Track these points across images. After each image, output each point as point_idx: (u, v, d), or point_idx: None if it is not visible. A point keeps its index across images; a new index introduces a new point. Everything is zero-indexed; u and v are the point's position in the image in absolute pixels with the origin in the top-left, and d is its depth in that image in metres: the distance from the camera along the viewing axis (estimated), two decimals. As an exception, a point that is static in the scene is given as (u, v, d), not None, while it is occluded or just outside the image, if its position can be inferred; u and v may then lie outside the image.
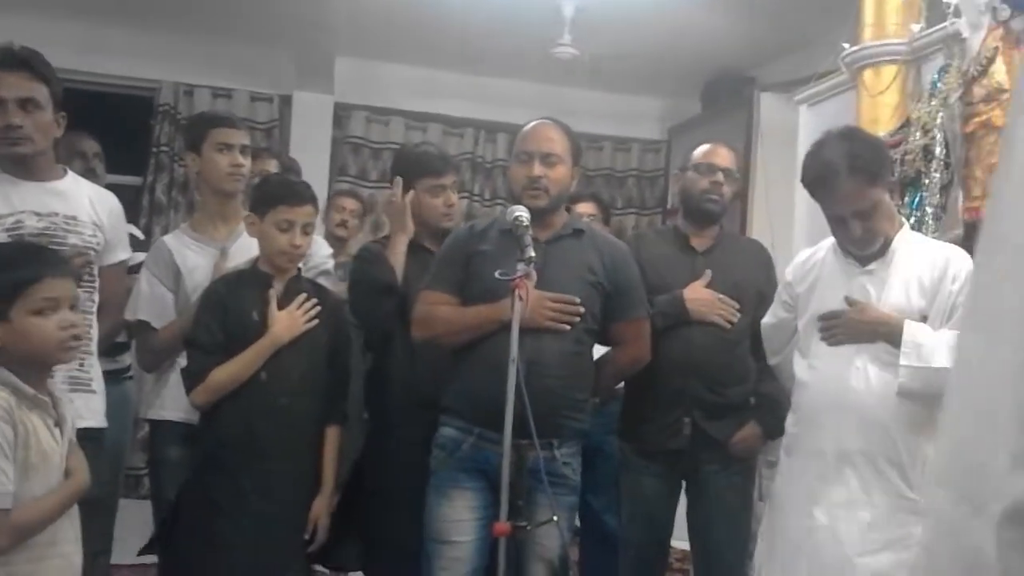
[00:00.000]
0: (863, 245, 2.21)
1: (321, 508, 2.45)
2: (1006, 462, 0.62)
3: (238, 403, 2.38)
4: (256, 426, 2.36)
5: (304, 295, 2.47)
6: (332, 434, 2.50)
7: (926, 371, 2.06)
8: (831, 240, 2.31)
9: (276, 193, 2.49)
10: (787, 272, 2.46)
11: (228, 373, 2.37)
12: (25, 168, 2.35)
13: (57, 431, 1.87)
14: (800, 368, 2.30)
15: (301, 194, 2.50)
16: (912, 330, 2.11)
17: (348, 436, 2.65)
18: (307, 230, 2.48)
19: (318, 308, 2.46)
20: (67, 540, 1.87)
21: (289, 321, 2.42)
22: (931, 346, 2.08)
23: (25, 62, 2.30)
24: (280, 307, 2.44)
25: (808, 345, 2.29)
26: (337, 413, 2.52)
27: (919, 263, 2.20)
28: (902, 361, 2.10)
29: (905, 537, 2.05)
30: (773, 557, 2.28)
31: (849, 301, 2.21)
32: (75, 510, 1.92)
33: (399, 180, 2.76)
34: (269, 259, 2.48)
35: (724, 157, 2.81)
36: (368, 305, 2.69)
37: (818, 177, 2.20)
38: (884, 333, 2.15)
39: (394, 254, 2.68)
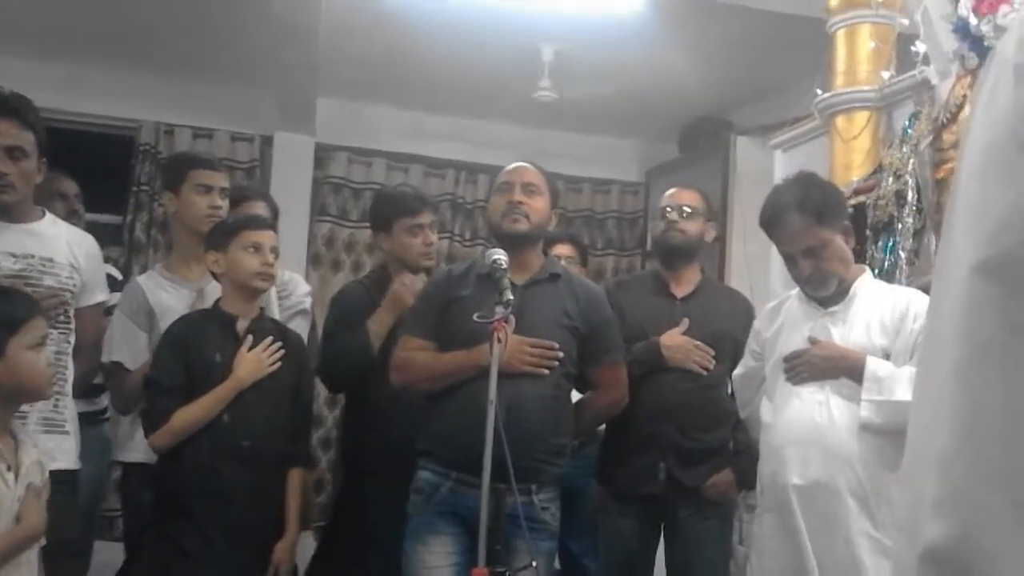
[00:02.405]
0: (815, 285, 2.26)
1: (284, 552, 2.41)
2: (928, 507, 0.65)
3: (200, 445, 2.35)
4: (219, 468, 2.34)
5: (270, 337, 2.46)
6: (295, 476, 2.48)
7: (888, 404, 2.10)
8: (797, 289, 2.37)
9: (237, 222, 2.53)
10: (756, 320, 2.51)
11: (191, 415, 2.35)
12: (2, 210, 2.35)
13: (11, 476, 1.84)
14: (765, 411, 2.34)
15: (261, 221, 2.57)
16: (873, 365, 2.15)
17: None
18: (275, 252, 2.50)
19: (283, 351, 2.46)
20: None
21: (255, 363, 2.41)
22: (892, 380, 2.11)
23: (15, 111, 2.31)
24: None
25: (774, 388, 2.33)
26: (300, 455, 2.51)
27: (880, 305, 2.25)
28: (864, 395, 2.13)
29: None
30: None
31: (812, 340, 2.25)
32: (31, 557, 1.87)
33: (418, 278, 2.76)
34: (245, 284, 2.46)
35: (682, 196, 2.88)
36: (337, 372, 2.71)
37: (770, 216, 2.30)
38: (846, 368, 2.18)
39: (378, 323, 2.68)
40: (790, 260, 2.27)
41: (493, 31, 4.22)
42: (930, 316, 0.75)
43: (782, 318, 2.37)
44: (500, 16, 4.10)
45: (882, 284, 2.44)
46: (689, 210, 2.81)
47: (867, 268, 2.43)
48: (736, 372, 2.54)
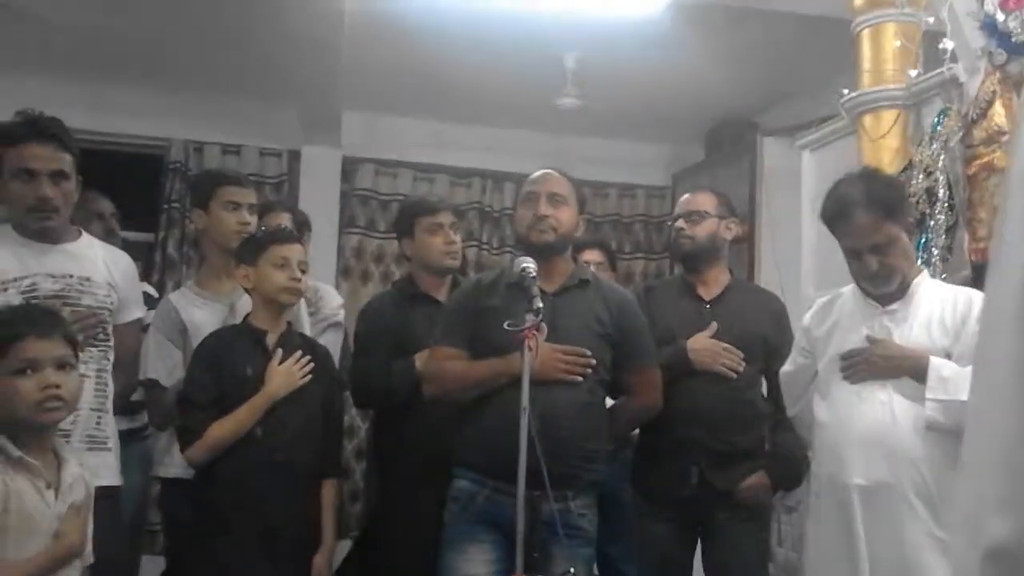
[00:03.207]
0: (879, 282, 2.22)
1: (322, 564, 2.43)
2: (992, 504, 0.65)
3: (234, 459, 2.38)
4: (253, 481, 2.36)
5: (300, 351, 2.49)
6: (329, 488, 2.50)
7: (955, 404, 2.06)
8: (851, 286, 2.33)
9: (265, 237, 2.55)
10: (805, 318, 2.47)
11: (225, 430, 2.37)
12: (43, 232, 2.39)
13: (51, 493, 1.85)
14: (820, 410, 2.30)
15: (289, 235, 2.59)
16: (937, 364, 2.11)
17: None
18: (303, 267, 2.52)
19: (312, 364, 2.48)
20: None
21: (285, 377, 2.43)
22: (957, 380, 2.07)
23: (54, 135, 2.35)
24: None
25: (828, 386, 2.28)
26: (333, 466, 2.53)
27: (941, 303, 2.21)
28: (929, 395, 2.10)
29: None
30: None
31: (870, 338, 2.21)
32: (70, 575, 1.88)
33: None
34: (273, 298, 2.48)
35: (689, 202, 2.89)
36: (374, 397, 2.75)
37: (835, 211, 2.24)
38: (908, 368, 2.15)
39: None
40: (854, 256, 2.22)
41: (515, 40, 4.24)
42: (985, 312, 0.75)
43: (835, 316, 2.33)
44: (522, 25, 4.11)
45: (940, 283, 2.40)
46: (697, 215, 2.81)
47: (924, 268, 2.39)
48: (784, 369, 2.51)
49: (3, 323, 1.90)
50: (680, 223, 2.84)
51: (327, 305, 2.97)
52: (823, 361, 2.32)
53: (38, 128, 2.35)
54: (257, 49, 4.32)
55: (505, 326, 2.18)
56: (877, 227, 2.18)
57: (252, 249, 2.51)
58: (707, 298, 2.79)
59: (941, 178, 2.92)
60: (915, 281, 2.24)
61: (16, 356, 1.83)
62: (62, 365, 1.88)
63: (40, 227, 2.37)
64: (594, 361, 2.36)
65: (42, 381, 1.83)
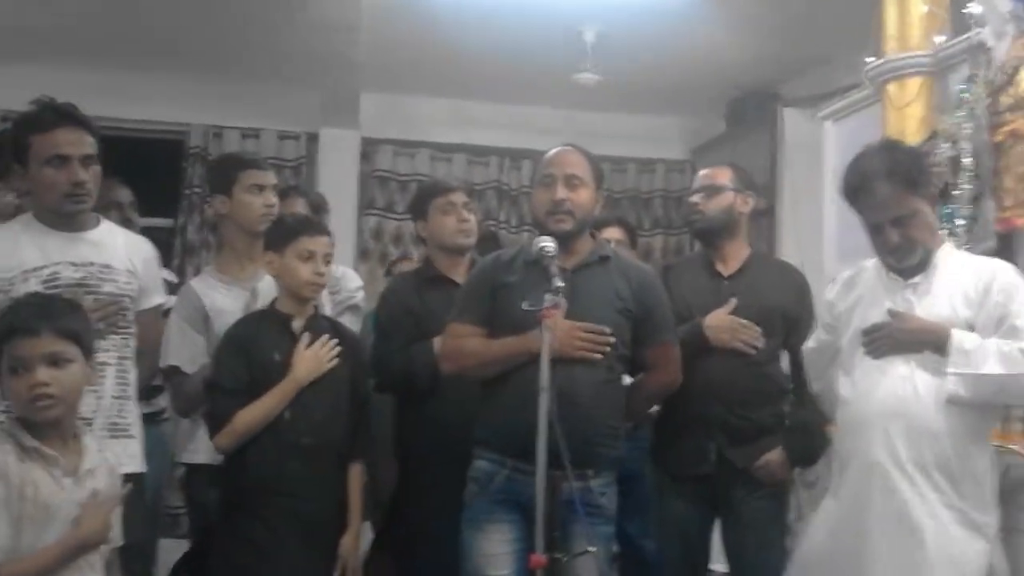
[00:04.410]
0: (901, 255, 2.18)
1: (349, 546, 2.44)
2: None
3: (263, 444, 2.38)
4: (282, 465, 2.37)
5: (326, 335, 2.49)
6: (356, 471, 2.50)
7: (975, 377, 2.04)
8: (874, 259, 2.29)
9: (294, 227, 2.54)
10: (828, 292, 2.43)
11: (253, 415, 2.38)
12: (62, 219, 2.40)
13: (68, 481, 1.86)
14: (843, 385, 2.27)
15: (318, 226, 2.57)
16: (959, 337, 2.08)
17: (384, 471, 2.65)
18: (327, 259, 2.52)
19: (339, 348, 2.49)
20: None
21: (313, 361, 2.44)
22: (980, 352, 2.05)
23: (80, 119, 2.36)
24: (299, 346, 2.46)
25: (852, 362, 2.26)
26: (360, 449, 2.53)
27: (963, 275, 2.18)
28: (950, 368, 2.07)
29: (959, 554, 2.02)
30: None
31: (892, 312, 2.18)
32: (93, 561, 1.89)
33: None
34: (295, 292, 2.49)
35: (705, 177, 2.86)
36: (391, 384, 2.75)
37: (856, 185, 2.21)
38: (930, 341, 2.11)
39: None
40: (876, 229, 2.18)
41: (533, 16, 4.20)
42: None
43: (859, 290, 2.30)
44: (540, 0, 4.07)
45: (964, 254, 2.36)
46: (712, 189, 2.78)
47: (947, 238, 2.35)
48: (807, 345, 2.48)
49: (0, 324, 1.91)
50: (695, 198, 2.81)
51: (345, 287, 2.97)
52: (846, 336, 2.29)
53: (65, 113, 2.35)
54: (275, 32, 4.32)
55: (524, 306, 2.17)
56: (899, 199, 2.13)
57: (280, 236, 2.51)
58: (726, 273, 2.76)
59: (966, 147, 2.88)
60: (938, 253, 2.20)
61: (8, 355, 1.85)
62: (54, 361, 1.86)
63: (74, 210, 2.37)
64: (613, 339, 2.34)
65: (30, 380, 1.83)
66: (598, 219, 2.81)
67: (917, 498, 2.07)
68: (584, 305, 2.35)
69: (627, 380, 2.52)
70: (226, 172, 2.83)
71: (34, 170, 2.34)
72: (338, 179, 5.12)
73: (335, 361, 2.47)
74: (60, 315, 1.91)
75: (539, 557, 2.04)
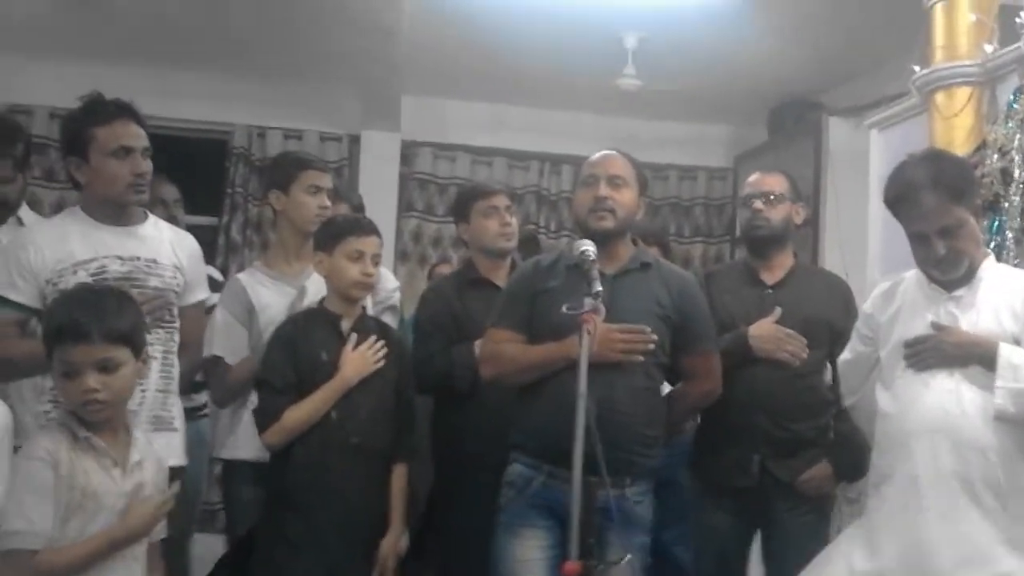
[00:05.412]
0: (946, 267, 2.13)
1: (390, 548, 2.45)
2: None
3: (310, 442, 2.40)
4: (329, 465, 2.39)
5: (374, 336, 2.50)
6: (400, 472, 2.51)
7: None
8: (914, 271, 2.25)
9: (344, 227, 2.56)
10: (866, 304, 2.39)
11: (302, 414, 2.40)
12: (110, 213, 2.44)
13: (117, 472, 1.89)
14: (883, 399, 2.21)
15: (367, 226, 2.58)
16: (1008, 351, 2.03)
17: (420, 473, 2.65)
18: (376, 260, 2.53)
19: (386, 349, 2.49)
20: None
21: (360, 361, 2.45)
22: None
23: (135, 114, 2.42)
24: (347, 346, 2.47)
25: (892, 375, 2.20)
26: (405, 450, 2.54)
27: (1009, 289, 2.13)
28: (998, 383, 2.02)
29: (1006, 573, 1.97)
30: None
31: (936, 325, 2.13)
32: (137, 552, 1.92)
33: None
34: (343, 292, 2.51)
35: (764, 182, 2.80)
36: (431, 386, 2.75)
37: (900, 194, 2.16)
38: (977, 355, 2.07)
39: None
40: (920, 240, 2.13)
41: (575, 21, 4.20)
42: None
43: (899, 302, 2.25)
44: (581, 5, 4.07)
45: (1007, 268, 2.31)
46: (773, 196, 2.74)
47: (990, 252, 2.30)
48: (842, 357, 2.43)
49: (49, 320, 1.95)
50: (757, 204, 2.74)
51: (383, 288, 2.99)
52: (886, 349, 2.24)
53: (126, 107, 2.41)
54: (319, 34, 4.35)
55: (563, 309, 2.16)
56: (945, 210, 2.09)
57: (330, 236, 2.53)
58: (770, 283, 2.73)
59: (1017, 158, 2.82)
60: (983, 266, 2.16)
61: (59, 358, 1.88)
62: (104, 367, 1.87)
63: (136, 200, 2.43)
64: (655, 337, 2.31)
65: (80, 386, 1.85)
66: (635, 233, 2.78)
67: (967, 513, 2.02)
68: (624, 310, 2.34)
69: (666, 388, 2.51)
70: (287, 169, 2.86)
71: (97, 161, 2.38)
72: (379, 181, 5.15)
73: (382, 362, 2.48)
74: (110, 315, 1.91)
75: (573, 564, 2.02)
